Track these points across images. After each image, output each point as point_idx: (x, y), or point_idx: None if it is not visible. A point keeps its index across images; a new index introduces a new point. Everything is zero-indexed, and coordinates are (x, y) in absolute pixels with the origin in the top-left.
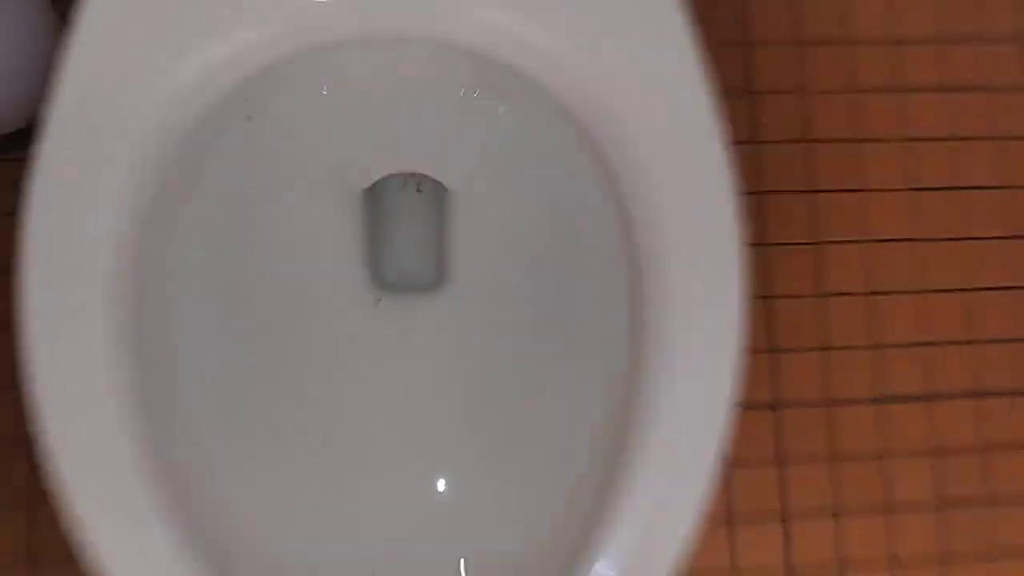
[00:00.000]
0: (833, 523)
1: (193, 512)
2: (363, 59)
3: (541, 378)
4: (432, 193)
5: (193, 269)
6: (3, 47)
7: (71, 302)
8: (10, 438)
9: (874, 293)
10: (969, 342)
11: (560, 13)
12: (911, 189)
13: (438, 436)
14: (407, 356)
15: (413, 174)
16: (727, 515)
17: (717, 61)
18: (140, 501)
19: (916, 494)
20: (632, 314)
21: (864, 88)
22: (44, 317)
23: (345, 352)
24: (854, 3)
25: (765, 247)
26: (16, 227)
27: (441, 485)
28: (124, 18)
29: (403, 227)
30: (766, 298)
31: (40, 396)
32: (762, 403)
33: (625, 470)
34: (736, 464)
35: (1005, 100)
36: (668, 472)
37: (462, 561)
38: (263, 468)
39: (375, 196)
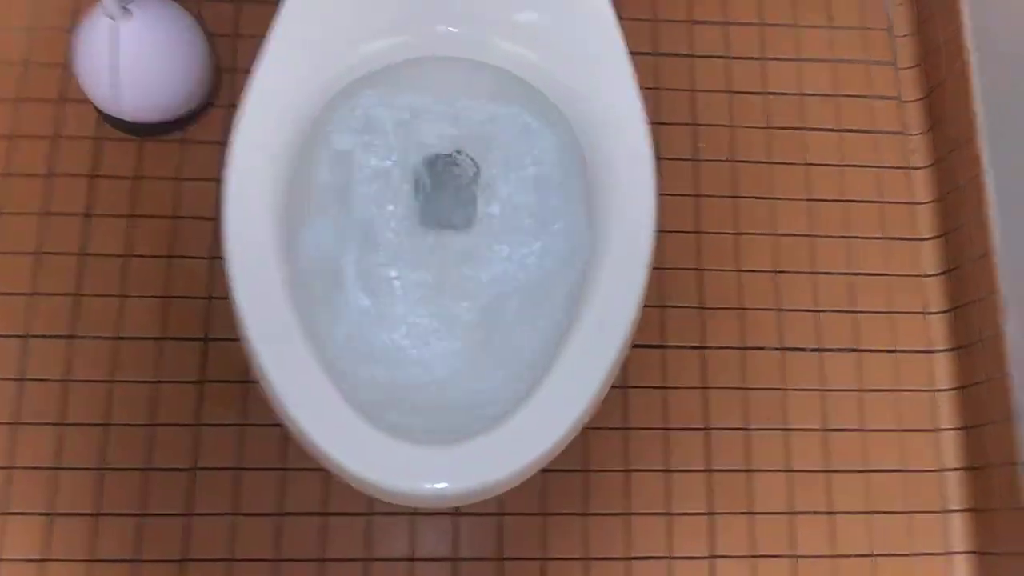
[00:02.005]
0: None
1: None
2: (436, 70)
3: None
4: (466, 165)
5: (318, 182)
6: (166, 50)
7: (253, 185)
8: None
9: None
10: None
11: (550, 42)
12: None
13: (455, 303)
14: (441, 251)
15: (456, 151)
16: None
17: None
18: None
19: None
20: (589, 222)
21: None
22: (236, 201)
23: (402, 245)
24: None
25: None
26: (181, 191)
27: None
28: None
29: (446, 188)
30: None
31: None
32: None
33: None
34: None
35: None
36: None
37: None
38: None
39: (430, 164)
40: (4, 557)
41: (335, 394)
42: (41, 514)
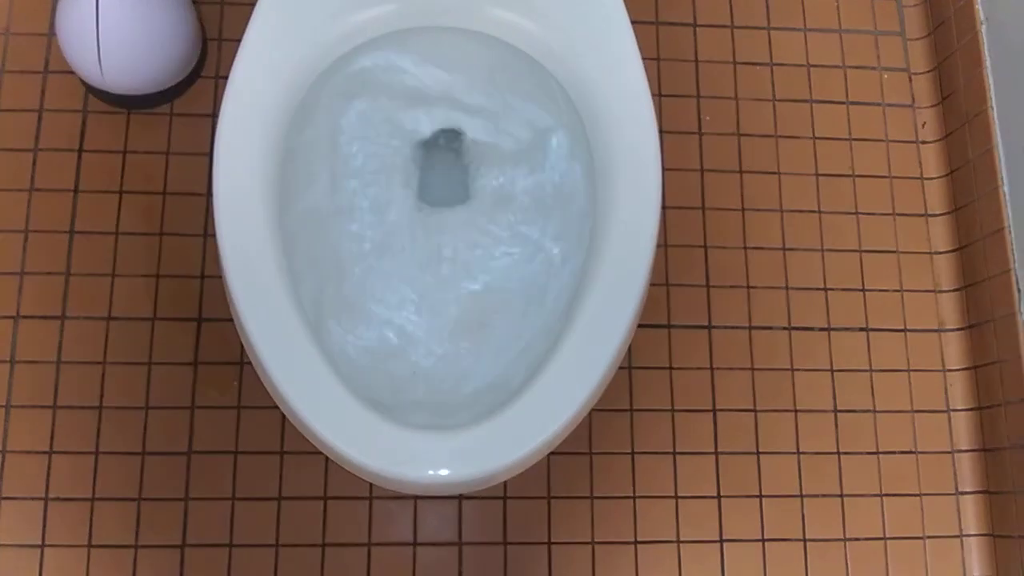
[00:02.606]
0: None
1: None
2: (428, 40)
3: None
4: (462, 144)
5: (310, 156)
6: (150, 18)
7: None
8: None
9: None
10: None
11: (548, 11)
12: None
13: (450, 280)
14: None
15: (452, 130)
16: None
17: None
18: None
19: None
20: (591, 198)
21: None
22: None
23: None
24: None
25: None
26: (171, 165)
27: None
28: None
29: (442, 166)
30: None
31: (218, 212)
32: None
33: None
34: None
35: None
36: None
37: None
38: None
39: (427, 142)
40: (0, 543)
41: (333, 379)
42: (36, 499)
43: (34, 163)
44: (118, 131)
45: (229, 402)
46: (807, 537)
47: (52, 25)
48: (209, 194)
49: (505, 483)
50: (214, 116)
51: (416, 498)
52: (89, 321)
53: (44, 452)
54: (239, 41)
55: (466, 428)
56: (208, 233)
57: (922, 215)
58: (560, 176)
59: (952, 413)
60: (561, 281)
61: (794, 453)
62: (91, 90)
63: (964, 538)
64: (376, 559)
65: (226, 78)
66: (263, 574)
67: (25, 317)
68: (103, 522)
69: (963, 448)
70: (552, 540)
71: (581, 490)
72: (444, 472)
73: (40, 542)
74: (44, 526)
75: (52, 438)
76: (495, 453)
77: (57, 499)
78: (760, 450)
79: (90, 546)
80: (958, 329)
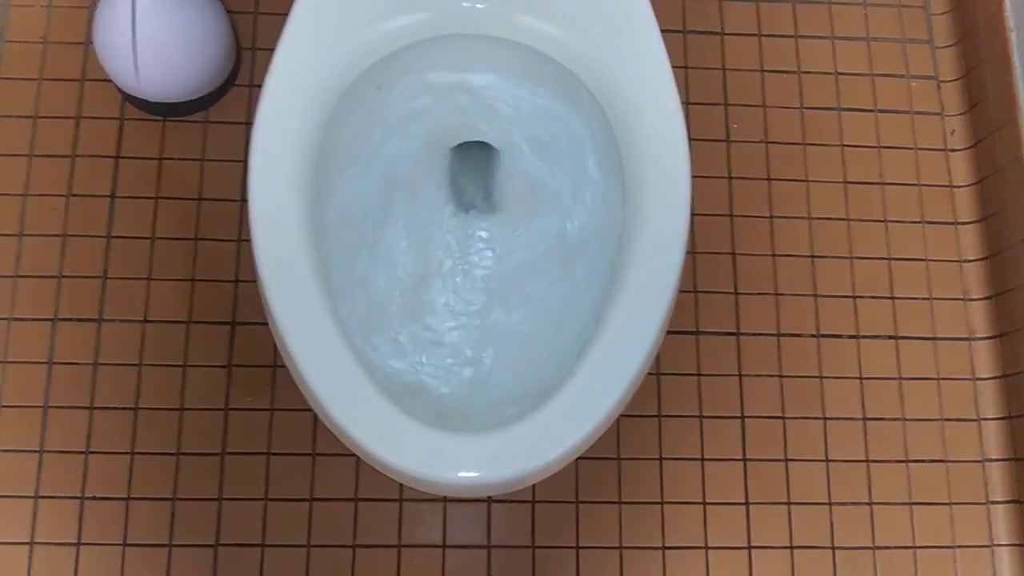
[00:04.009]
0: None
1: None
2: (460, 48)
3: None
4: (490, 154)
5: (343, 164)
6: (186, 27)
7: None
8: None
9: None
10: None
11: (579, 20)
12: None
13: (477, 281)
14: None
15: (480, 142)
16: None
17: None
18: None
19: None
20: (621, 206)
21: None
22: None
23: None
24: None
25: None
26: (206, 172)
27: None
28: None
29: (471, 177)
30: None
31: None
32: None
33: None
34: None
35: None
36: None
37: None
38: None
39: (455, 153)
40: (38, 540)
41: (365, 380)
42: (72, 498)
43: (72, 169)
44: (154, 138)
45: (262, 404)
46: (835, 545)
47: (89, 34)
48: (243, 200)
49: (534, 486)
50: (248, 124)
51: (446, 500)
52: (125, 324)
53: (81, 452)
54: (272, 51)
55: (496, 431)
56: (242, 238)
57: (951, 223)
58: (589, 181)
59: (982, 422)
60: (588, 295)
61: (823, 460)
62: (128, 98)
63: (995, 548)
64: (405, 561)
65: (260, 87)
66: (294, 574)
67: (63, 320)
68: (138, 521)
69: (993, 457)
70: (580, 544)
71: (609, 495)
72: (474, 474)
73: (76, 540)
74: (80, 525)
75: (88, 438)
76: (525, 456)
77: (93, 498)
78: (788, 457)
79: (125, 545)
80: (988, 338)
